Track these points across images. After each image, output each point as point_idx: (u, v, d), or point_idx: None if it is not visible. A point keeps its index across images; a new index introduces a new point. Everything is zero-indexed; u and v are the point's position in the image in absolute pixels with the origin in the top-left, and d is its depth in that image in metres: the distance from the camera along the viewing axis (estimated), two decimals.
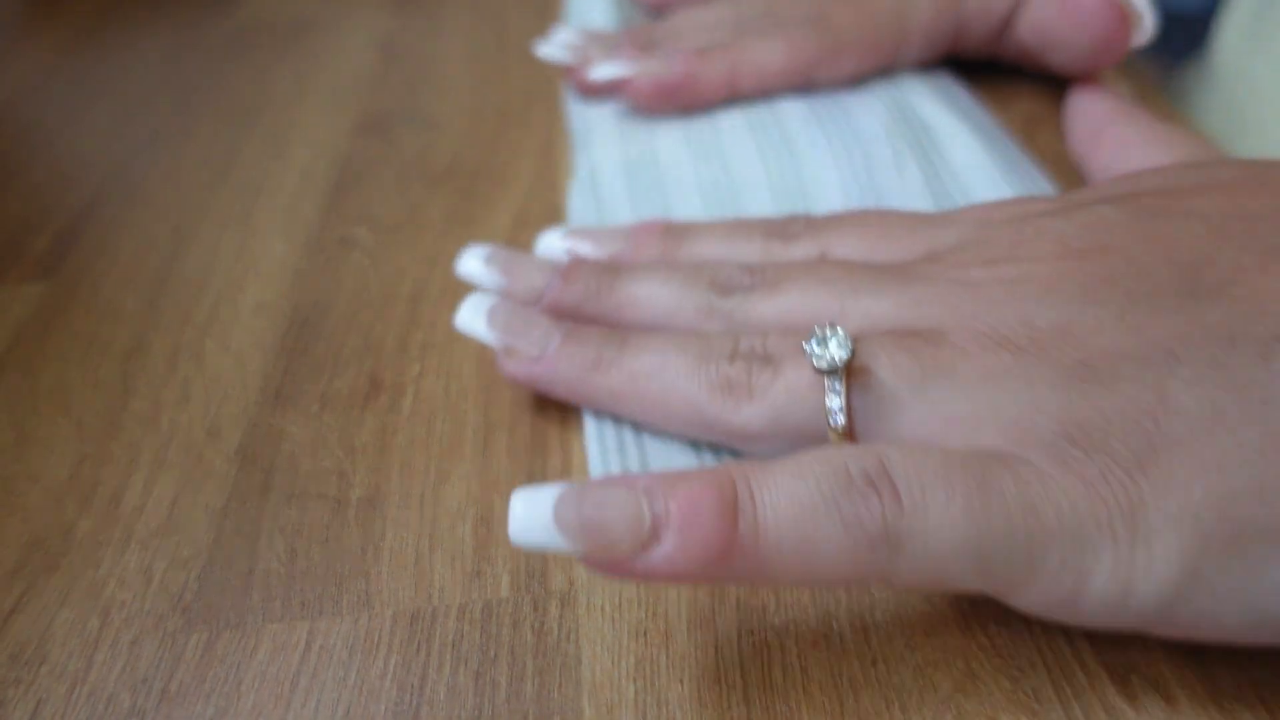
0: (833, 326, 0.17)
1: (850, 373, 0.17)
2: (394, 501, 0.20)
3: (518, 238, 0.28)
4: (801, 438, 0.18)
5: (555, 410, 0.22)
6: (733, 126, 0.30)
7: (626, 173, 0.29)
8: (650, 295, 0.21)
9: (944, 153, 0.28)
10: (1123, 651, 0.16)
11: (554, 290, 0.22)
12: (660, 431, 0.20)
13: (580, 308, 0.22)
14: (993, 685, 0.16)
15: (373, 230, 0.29)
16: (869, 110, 0.29)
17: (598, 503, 0.15)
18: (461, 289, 0.26)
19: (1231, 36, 0.35)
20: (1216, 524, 0.14)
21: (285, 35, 0.42)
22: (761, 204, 0.27)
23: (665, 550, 0.14)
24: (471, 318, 0.21)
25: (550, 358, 0.20)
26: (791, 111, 0.30)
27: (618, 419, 0.21)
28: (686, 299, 0.21)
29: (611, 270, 0.22)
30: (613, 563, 0.15)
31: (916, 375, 0.17)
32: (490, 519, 0.19)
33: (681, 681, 0.16)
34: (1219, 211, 0.17)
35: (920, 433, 0.17)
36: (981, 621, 0.17)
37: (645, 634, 0.17)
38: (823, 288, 0.19)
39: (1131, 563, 0.14)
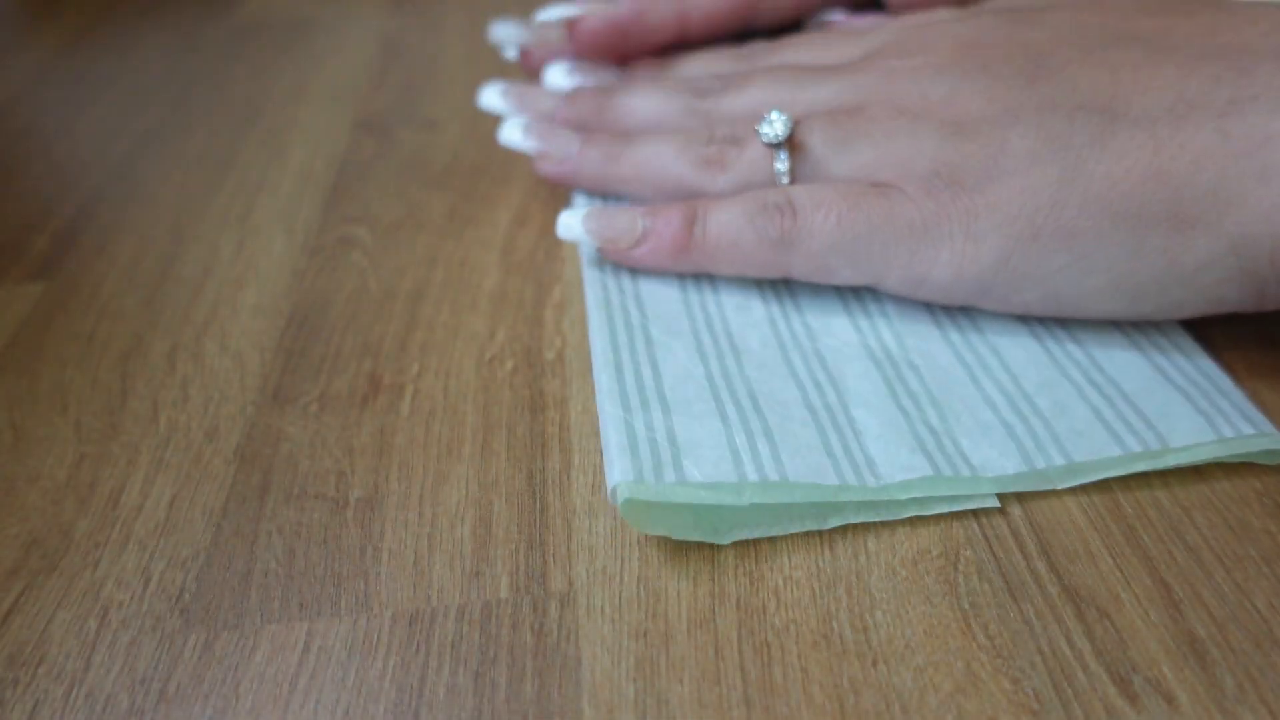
0: (778, 112, 0.23)
1: (792, 144, 0.23)
2: (393, 502, 0.20)
3: (518, 237, 0.28)
4: None
5: (555, 410, 0.22)
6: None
7: None
8: (641, 105, 0.28)
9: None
10: (1124, 652, 0.16)
11: (562, 111, 0.29)
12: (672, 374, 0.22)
13: (586, 122, 0.28)
14: (993, 686, 0.16)
15: (372, 230, 0.29)
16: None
17: (609, 219, 0.24)
18: (461, 290, 0.26)
19: None
20: (1024, 228, 0.20)
21: (285, 35, 0.42)
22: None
23: (646, 247, 0.24)
24: (512, 133, 0.28)
25: (575, 158, 0.27)
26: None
27: (637, 374, 0.21)
28: (670, 104, 0.27)
29: (607, 91, 0.29)
30: (615, 253, 0.24)
31: (840, 139, 0.23)
32: (489, 519, 0.19)
33: (681, 682, 0.16)
34: (1065, 22, 0.23)
35: (842, 178, 0.23)
36: (982, 621, 0.17)
37: (645, 635, 0.17)
38: (777, 84, 0.26)
39: (963, 255, 0.21)
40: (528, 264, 0.27)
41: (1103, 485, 0.19)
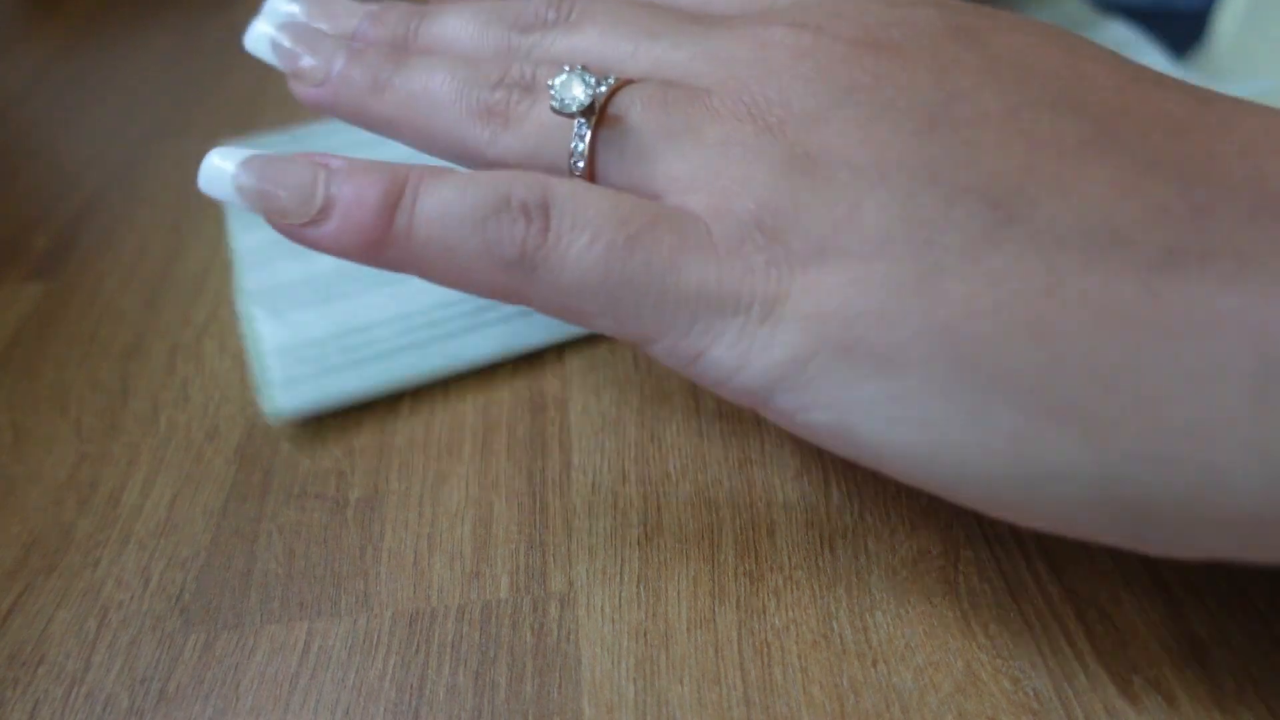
0: (581, 72, 0.17)
1: (602, 118, 0.17)
2: (393, 502, 0.20)
3: None
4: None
5: (555, 410, 0.22)
6: None
7: None
8: (454, 33, 0.21)
9: None
10: (1124, 652, 0.16)
11: (364, 33, 0.21)
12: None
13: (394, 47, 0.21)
14: (993, 686, 0.16)
15: None
16: None
17: (276, 177, 0.17)
18: None
19: (1229, 26, 0.35)
20: (837, 332, 0.14)
21: None
22: None
23: (328, 229, 0.16)
24: (259, 37, 0.21)
25: (334, 80, 0.20)
26: None
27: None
28: (487, 36, 0.20)
29: (422, 12, 0.22)
30: (285, 228, 0.17)
31: (663, 130, 0.17)
32: (489, 519, 0.19)
33: (681, 682, 0.16)
34: (1009, 53, 0.16)
35: (650, 186, 0.17)
36: (982, 621, 0.17)
37: (645, 635, 0.17)
38: (622, 29, 0.19)
39: (753, 341, 0.15)
40: None
41: None
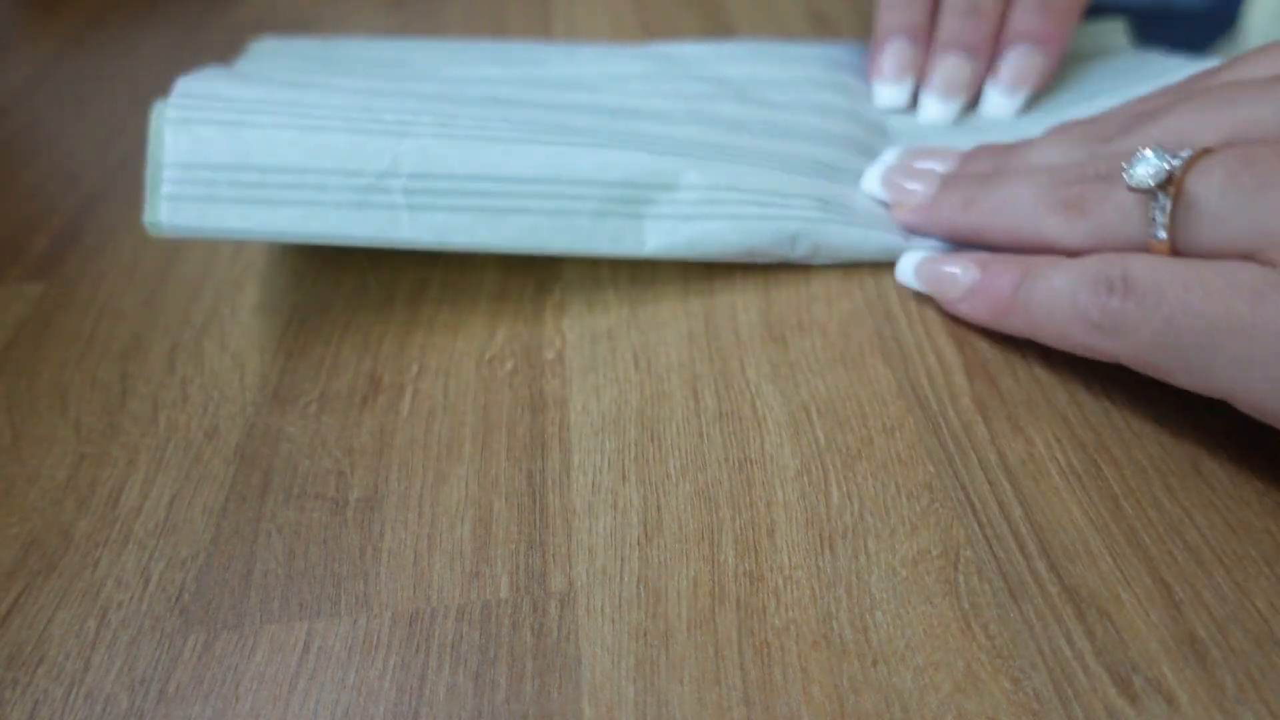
0: (1157, 149, 0.18)
1: (1180, 189, 0.18)
2: (393, 502, 0.20)
3: None
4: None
5: (555, 410, 0.22)
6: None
7: None
8: (1038, 158, 0.23)
9: None
10: (1124, 652, 0.16)
11: (957, 170, 0.25)
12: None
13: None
14: (993, 686, 0.16)
15: None
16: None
17: (940, 266, 0.23)
18: (461, 290, 0.26)
19: (1259, 22, 0.35)
20: None
21: (285, 35, 0.42)
22: None
23: (974, 304, 0.22)
24: (871, 181, 0.26)
25: (929, 204, 0.24)
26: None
27: None
28: (1070, 154, 0.22)
29: (1009, 147, 0.25)
30: (944, 303, 0.23)
31: (1250, 188, 0.17)
32: (489, 519, 0.19)
33: (681, 682, 0.16)
34: None
35: (1238, 246, 0.17)
36: (982, 621, 0.17)
37: (645, 635, 0.17)
38: (1205, 105, 0.19)
39: None
40: (528, 264, 0.27)
41: (1103, 485, 0.19)
